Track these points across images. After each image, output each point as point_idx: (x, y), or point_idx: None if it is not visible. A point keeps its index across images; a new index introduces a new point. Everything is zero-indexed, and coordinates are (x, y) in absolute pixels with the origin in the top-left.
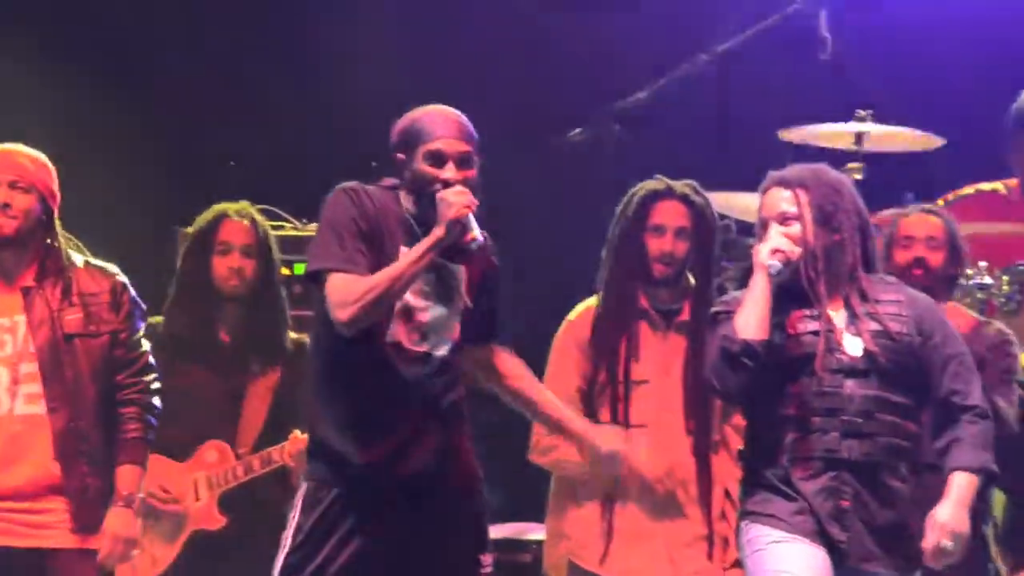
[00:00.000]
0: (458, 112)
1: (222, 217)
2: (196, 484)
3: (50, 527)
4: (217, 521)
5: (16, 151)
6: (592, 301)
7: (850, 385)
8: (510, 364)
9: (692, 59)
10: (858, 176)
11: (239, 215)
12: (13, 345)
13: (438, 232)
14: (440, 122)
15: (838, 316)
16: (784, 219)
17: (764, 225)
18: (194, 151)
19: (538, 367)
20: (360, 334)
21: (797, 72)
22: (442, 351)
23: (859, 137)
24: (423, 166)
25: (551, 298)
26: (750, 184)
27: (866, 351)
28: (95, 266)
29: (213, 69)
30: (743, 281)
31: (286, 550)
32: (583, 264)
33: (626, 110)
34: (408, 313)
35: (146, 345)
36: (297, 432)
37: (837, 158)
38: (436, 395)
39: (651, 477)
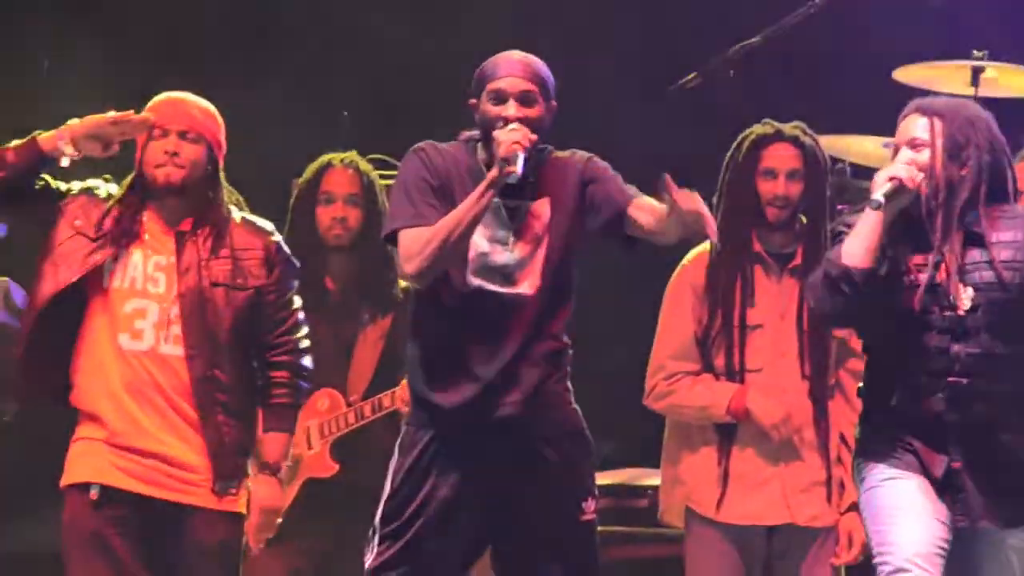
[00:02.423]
0: (526, 54)
1: (326, 167)
2: (308, 432)
3: (192, 484)
4: (330, 468)
5: (187, 100)
6: (705, 246)
7: (957, 345)
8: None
9: (805, 2)
10: None
11: (343, 164)
12: (167, 285)
13: (492, 173)
14: (503, 63)
15: (953, 261)
16: (914, 144)
17: (896, 151)
18: (310, 101)
19: (653, 311)
20: (440, 283)
21: (909, 14)
22: (523, 290)
23: (975, 75)
24: (486, 106)
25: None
26: (863, 127)
27: (975, 305)
28: (252, 222)
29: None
30: None
31: (386, 494)
32: None
33: (740, 55)
34: (483, 257)
35: (298, 303)
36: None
37: None
38: (523, 338)
39: (767, 422)
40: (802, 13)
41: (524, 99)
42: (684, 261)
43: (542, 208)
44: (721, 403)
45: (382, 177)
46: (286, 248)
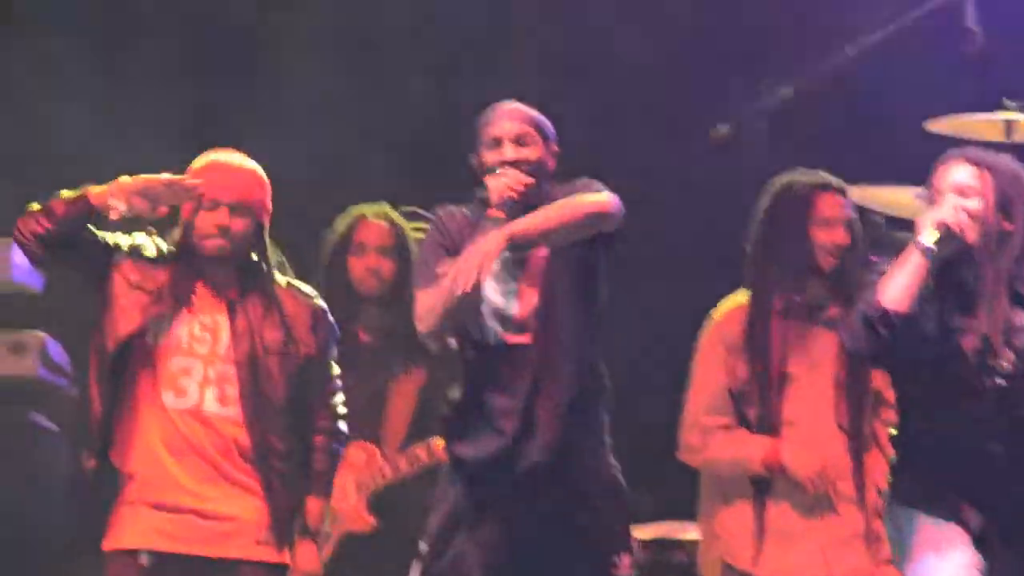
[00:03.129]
0: (519, 103)
1: (359, 219)
2: (344, 486)
3: (234, 535)
4: (366, 522)
5: (236, 169)
6: (738, 298)
7: (997, 409)
8: None
9: (837, 53)
10: None
11: (376, 216)
12: (212, 344)
13: (487, 212)
14: (496, 109)
15: (998, 322)
16: (963, 192)
17: (935, 197)
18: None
19: (684, 362)
20: (463, 339)
21: (939, 65)
22: (526, 339)
23: (1009, 127)
24: (485, 155)
25: (694, 294)
26: (893, 178)
27: (1015, 371)
28: (297, 288)
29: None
30: None
31: (422, 550)
32: (725, 260)
33: (770, 105)
34: (497, 310)
35: (336, 369)
36: None
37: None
38: (538, 386)
39: (803, 475)
40: (833, 63)
41: (520, 141)
42: (715, 314)
43: (541, 251)
44: (756, 457)
45: (414, 230)
46: (329, 314)
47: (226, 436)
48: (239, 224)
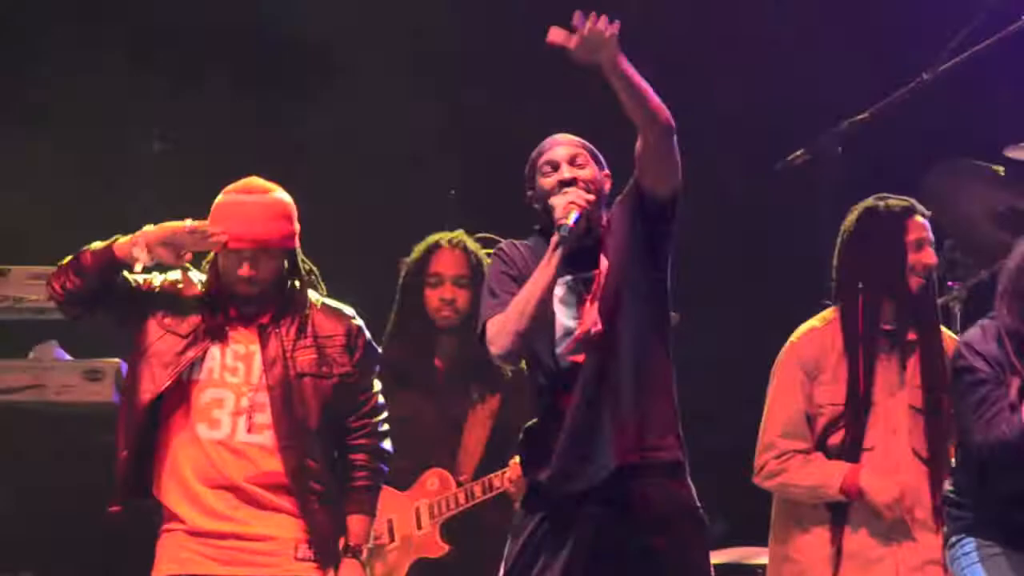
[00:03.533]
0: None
1: (435, 248)
2: (418, 512)
3: (274, 554)
4: (440, 549)
5: (258, 208)
6: (814, 322)
7: None
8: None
9: (914, 79)
10: None
11: (451, 244)
12: (246, 373)
13: (553, 239)
14: (547, 140)
15: None
16: None
17: None
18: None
19: (761, 386)
20: (535, 363)
21: (1016, 91)
22: (600, 359)
23: None
24: (541, 181)
25: (769, 319)
26: None
27: None
28: (332, 307)
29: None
30: (968, 302)
31: None
32: (802, 285)
33: (848, 131)
34: (566, 333)
35: (378, 387)
36: (517, 458)
37: None
38: (607, 403)
39: (880, 501)
40: (910, 89)
41: (574, 162)
42: (792, 338)
43: (602, 267)
44: (834, 482)
45: (490, 256)
46: (367, 331)
47: (259, 464)
48: (264, 270)
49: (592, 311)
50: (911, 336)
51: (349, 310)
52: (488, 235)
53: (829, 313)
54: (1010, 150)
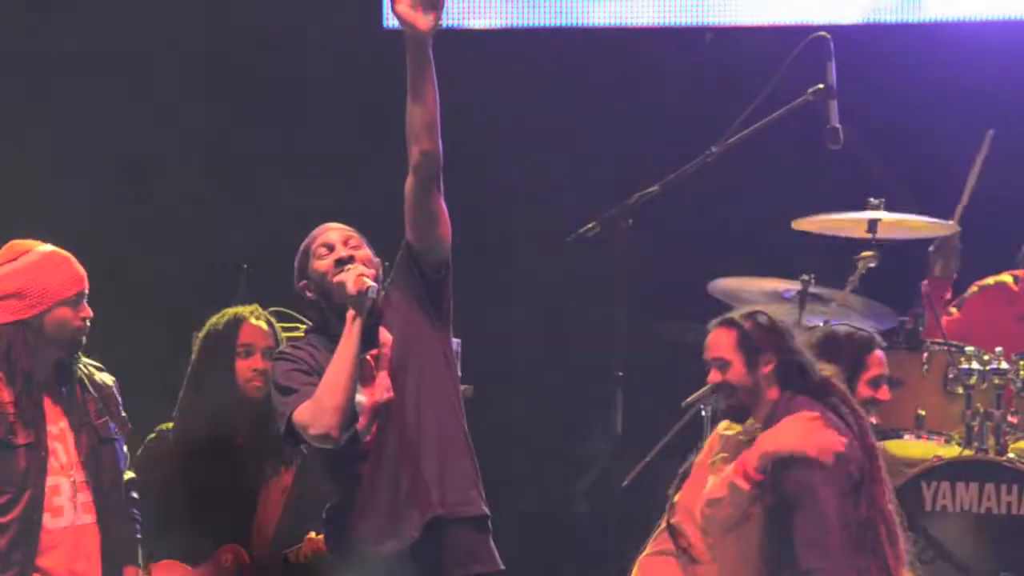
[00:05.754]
0: None
1: (241, 320)
2: None
3: None
4: None
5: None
6: None
7: None
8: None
9: (703, 153)
10: (872, 264)
11: (256, 317)
12: (66, 453)
13: (350, 313)
14: (316, 229)
15: None
16: None
17: None
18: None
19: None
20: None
21: (806, 162)
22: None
23: (872, 225)
24: (317, 263)
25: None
26: (759, 273)
27: None
28: (94, 366)
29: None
30: None
31: None
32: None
33: (638, 205)
34: (359, 404)
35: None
36: (312, 533)
37: (852, 246)
38: (402, 471)
39: None
40: (699, 163)
41: (348, 243)
42: None
43: (385, 340)
44: None
45: (284, 330)
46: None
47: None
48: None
49: (382, 380)
50: None
51: (106, 371)
52: (281, 309)
53: None
54: (798, 223)
